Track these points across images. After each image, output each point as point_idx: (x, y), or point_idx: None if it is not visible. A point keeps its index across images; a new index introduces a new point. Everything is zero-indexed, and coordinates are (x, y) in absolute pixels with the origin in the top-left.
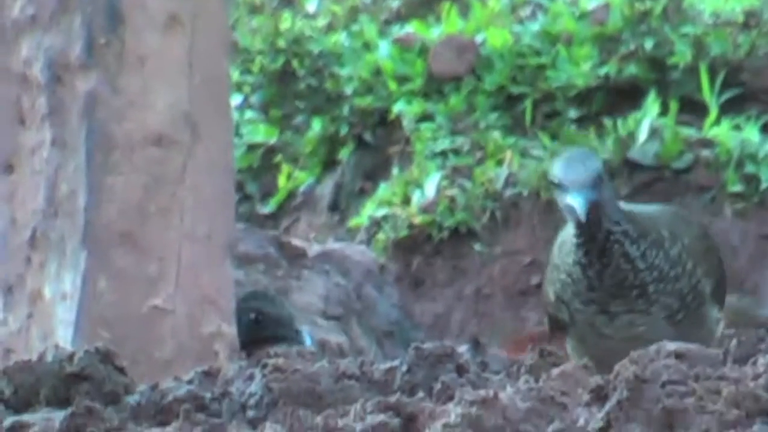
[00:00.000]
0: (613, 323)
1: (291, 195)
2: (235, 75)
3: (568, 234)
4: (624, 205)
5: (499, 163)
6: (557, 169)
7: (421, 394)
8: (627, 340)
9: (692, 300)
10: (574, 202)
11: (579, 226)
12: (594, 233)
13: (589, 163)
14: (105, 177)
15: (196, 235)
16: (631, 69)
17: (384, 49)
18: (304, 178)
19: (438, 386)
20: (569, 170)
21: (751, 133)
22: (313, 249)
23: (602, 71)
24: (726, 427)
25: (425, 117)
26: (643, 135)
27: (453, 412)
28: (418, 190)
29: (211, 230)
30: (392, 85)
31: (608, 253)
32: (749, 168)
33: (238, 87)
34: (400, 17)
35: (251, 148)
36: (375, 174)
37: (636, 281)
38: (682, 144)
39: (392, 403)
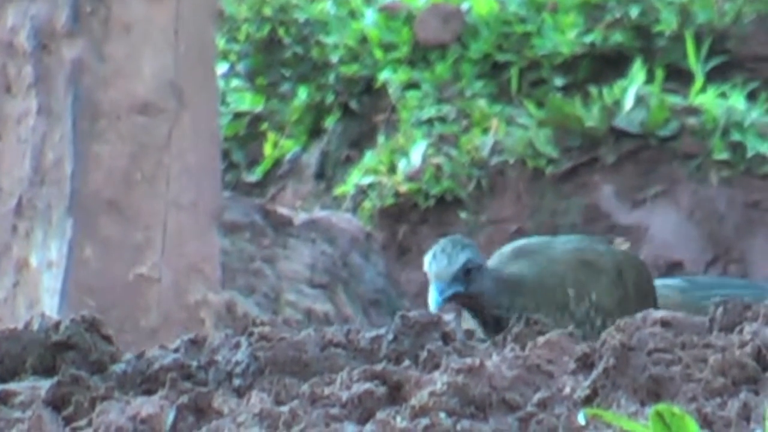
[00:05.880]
0: None
1: (277, 163)
2: (221, 43)
3: None
4: (525, 243)
5: (485, 131)
6: (426, 261)
7: (407, 362)
8: None
9: None
10: (430, 294)
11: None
12: (483, 319)
13: (456, 255)
14: (91, 145)
15: (182, 203)
16: (617, 37)
17: (370, 17)
18: (290, 147)
19: (424, 354)
20: (433, 263)
21: (737, 101)
22: (300, 217)
23: (588, 39)
24: (712, 395)
25: (411, 85)
26: (628, 103)
27: (439, 380)
28: (404, 159)
29: (197, 198)
30: (378, 53)
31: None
32: (735, 135)
33: (224, 55)
34: None
35: (237, 116)
36: (361, 142)
37: None
38: (668, 112)
39: (378, 372)
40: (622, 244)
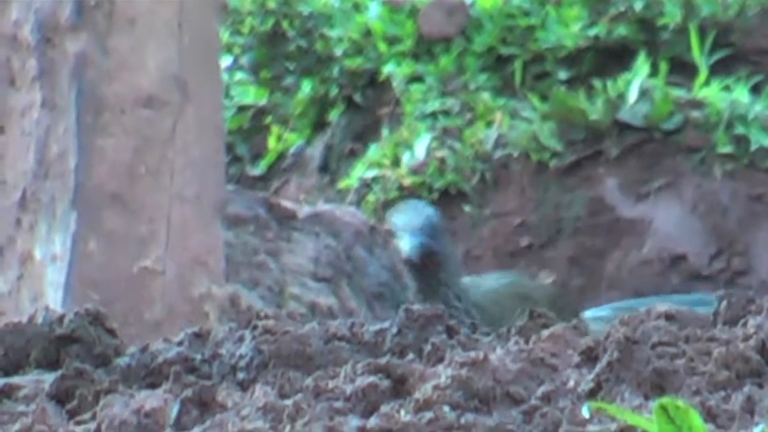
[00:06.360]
0: None
1: (281, 157)
2: (225, 36)
3: None
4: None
5: (489, 124)
6: (392, 218)
7: (411, 355)
8: None
9: None
10: (405, 243)
11: (416, 277)
12: (433, 288)
13: (421, 210)
14: (95, 138)
15: (186, 196)
16: (621, 30)
17: (374, 10)
18: (293, 140)
19: (428, 348)
20: (400, 216)
21: (741, 94)
22: (303, 210)
23: (592, 32)
24: (716, 389)
25: (415, 78)
26: (632, 96)
27: (443, 373)
28: (408, 152)
29: (200, 191)
30: (382, 47)
31: None
32: (739, 129)
33: (228, 48)
34: None
35: (241, 109)
36: (365, 135)
37: None
38: (671, 105)
39: (382, 365)
40: (547, 278)
